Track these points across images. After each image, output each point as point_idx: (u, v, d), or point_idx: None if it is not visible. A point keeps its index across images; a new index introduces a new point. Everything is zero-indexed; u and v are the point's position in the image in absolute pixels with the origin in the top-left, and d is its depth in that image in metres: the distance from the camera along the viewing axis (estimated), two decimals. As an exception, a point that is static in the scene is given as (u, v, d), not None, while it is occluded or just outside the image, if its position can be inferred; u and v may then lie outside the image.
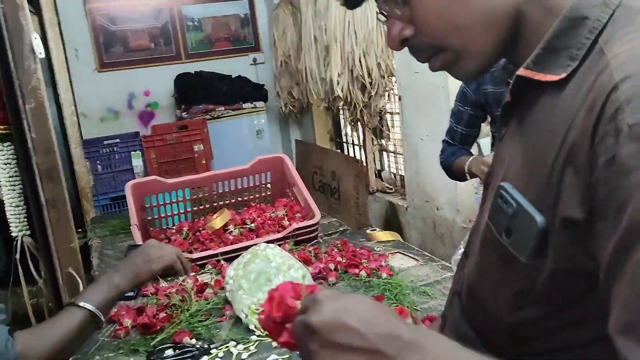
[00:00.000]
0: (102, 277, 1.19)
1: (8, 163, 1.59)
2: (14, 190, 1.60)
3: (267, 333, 0.64)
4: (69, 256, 1.60)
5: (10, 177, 1.59)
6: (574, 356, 0.56)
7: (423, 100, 2.87)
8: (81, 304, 1.07)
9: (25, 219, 1.62)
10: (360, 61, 3.16)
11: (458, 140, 1.88)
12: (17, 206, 1.62)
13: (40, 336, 1.01)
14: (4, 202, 1.65)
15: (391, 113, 3.61)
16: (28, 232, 1.63)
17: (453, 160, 1.85)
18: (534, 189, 0.55)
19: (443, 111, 2.66)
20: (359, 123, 3.65)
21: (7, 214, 1.65)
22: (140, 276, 1.21)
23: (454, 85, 1.98)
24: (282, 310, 0.61)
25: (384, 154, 3.92)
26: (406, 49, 0.68)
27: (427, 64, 0.68)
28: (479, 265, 0.66)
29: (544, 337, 0.58)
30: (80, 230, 2.61)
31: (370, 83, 3.20)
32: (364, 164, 3.86)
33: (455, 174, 1.83)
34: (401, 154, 3.46)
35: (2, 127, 1.54)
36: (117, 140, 3.79)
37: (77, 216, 2.85)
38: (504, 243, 0.58)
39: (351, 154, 4.36)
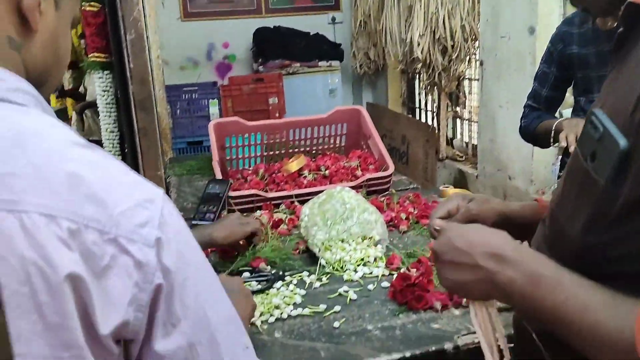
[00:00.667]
0: (199, 227, 1.30)
1: (106, 90, 1.69)
2: (109, 116, 1.70)
3: None
4: (156, 183, 1.71)
5: (107, 104, 1.70)
6: None
7: (506, 66, 2.79)
8: None
9: (118, 145, 1.73)
10: (443, 23, 3.10)
11: (542, 104, 1.83)
12: (112, 132, 1.73)
13: None
14: (100, 126, 1.77)
15: (470, 79, 3.53)
16: (120, 158, 1.74)
17: (538, 123, 1.81)
18: (621, 116, 0.57)
19: (527, 77, 2.58)
20: (435, 87, 3.60)
21: (102, 138, 1.77)
22: (234, 234, 1.34)
23: (542, 50, 1.92)
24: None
25: (458, 121, 3.85)
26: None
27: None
28: (562, 192, 0.70)
29: (613, 263, 0.60)
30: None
31: (452, 46, 3.14)
32: (436, 130, 3.82)
33: (538, 137, 1.79)
34: (476, 122, 3.40)
35: (103, 55, 1.64)
36: (196, 87, 3.92)
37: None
38: (587, 167, 0.61)
39: (422, 120, 4.32)
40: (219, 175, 1.83)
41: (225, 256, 1.41)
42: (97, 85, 1.70)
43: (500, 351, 0.70)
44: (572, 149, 1.38)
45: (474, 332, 1.00)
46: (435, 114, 4.04)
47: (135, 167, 1.71)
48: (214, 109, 3.77)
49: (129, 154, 1.72)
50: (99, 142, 1.85)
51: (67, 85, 3.01)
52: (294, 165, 1.89)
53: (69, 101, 3.22)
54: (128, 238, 0.55)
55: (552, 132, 1.64)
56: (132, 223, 0.55)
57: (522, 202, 1.01)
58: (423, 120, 4.29)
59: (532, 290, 0.61)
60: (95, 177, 0.55)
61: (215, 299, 0.63)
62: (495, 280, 0.64)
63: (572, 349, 0.61)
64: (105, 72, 1.67)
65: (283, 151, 2.12)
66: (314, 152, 2.15)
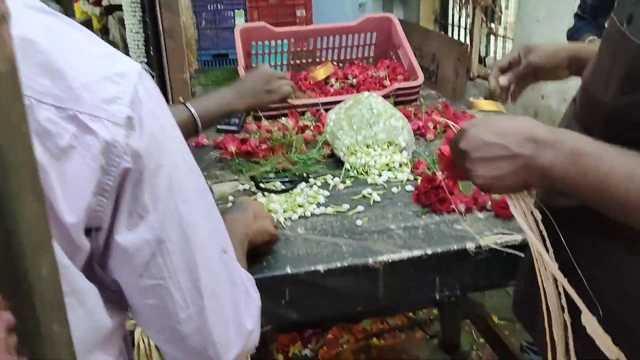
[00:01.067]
0: (219, 90, 1.25)
1: (130, -11, 1.65)
2: (134, 16, 1.67)
3: (456, 180, 0.83)
4: (180, 86, 1.70)
5: (132, 2, 1.66)
6: None
7: (547, -23, 2.63)
8: (187, 104, 1.16)
9: (144, 47, 1.71)
10: None
11: (588, 12, 1.73)
12: (137, 33, 1.70)
13: None
14: (125, 27, 1.74)
15: (507, -7, 3.35)
16: (145, 60, 1.73)
17: (577, 37, 1.72)
18: None
19: (569, -11, 2.43)
20: (470, 2, 3.43)
21: (127, 39, 1.75)
22: (257, 100, 1.27)
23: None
24: (445, 158, 0.77)
25: (492, 38, 3.70)
26: None
27: None
28: (595, 65, 0.69)
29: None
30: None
31: (491, -45, 2.95)
32: (468, 48, 3.68)
33: None
34: (511, 39, 3.26)
35: (127, -49, 1.59)
36: (222, -2, 3.80)
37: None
38: (623, 30, 0.60)
39: (455, 37, 4.16)
40: (244, 81, 1.80)
41: (249, 156, 1.41)
42: (121, -16, 1.67)
43: (542, 236, 0.69)
44: None
45: (498, 233, 1.01)
46: (469, 30, 3.88)
47: (160, 69, 1.69)
48: (239, 20, 3.67)
49: (154, 56, 1.70)
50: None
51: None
52: (321, 72, 1.85)
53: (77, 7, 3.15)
54: (91, 115, 0.48)
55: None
56: (96, 98, 0.49)
57: (591, 45, 1.05)
58: (455, 37, 4.13)
59: (575, 167, 0.59)
60: (51, 45, 0.47)
61: (193, 195, 0.58)
62: (535, 165, 0.62)
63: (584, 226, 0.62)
64: (129, -31, 1.63)
65: (310, 60, 2.07)
66: (341, 62, 2.10)
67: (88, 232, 0.52)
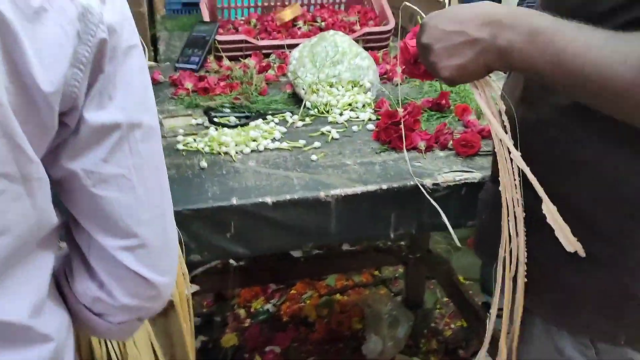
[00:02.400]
0: None
1: None
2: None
3: (412, 76, 0.82)
4: (138, 20, 1.58)
5: None
6: None
7: None
8: None
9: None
10: None
11: None
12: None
13: None
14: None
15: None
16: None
17: None
18: None
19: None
20: (450, -43, 3.34)
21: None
22: None
23: None
24: (409, 52, 0.75)
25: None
26: None
27: None
28: None
29: (608, 14, 0.58)
30: (152, 26, 2.59)
31: None
32: (447, 4, 3.61)
33: None
34: None
35: None
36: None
37: (148, 14, 2.82)
38: None
39: (434, -3, 4.07)
40: (206, 17, 1.72)
41: (205, 93, 1.33)
42: None
43: (503, 126, 0.68)
44: None
45: (457, 171, 0.96)
46: (447, -11, 3.79)
47: None
48: (211, -33, 3.53)
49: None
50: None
51: None
52: (288, 13, 1.76)
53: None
54: None
55: None
56: None
57: None
58: (434, -3, 4.06)
59: (533, 45, 0.58)
60: None
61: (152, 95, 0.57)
62: (494, 47, 0.61)
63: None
64: None
65: (279, 3, 1.98)
66: (312, 5, 2.01)
67: (62, 115, 0.49)
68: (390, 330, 1.97)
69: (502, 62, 0.62)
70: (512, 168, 0.66)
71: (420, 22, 0.70)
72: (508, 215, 0.68)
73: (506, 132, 0.67)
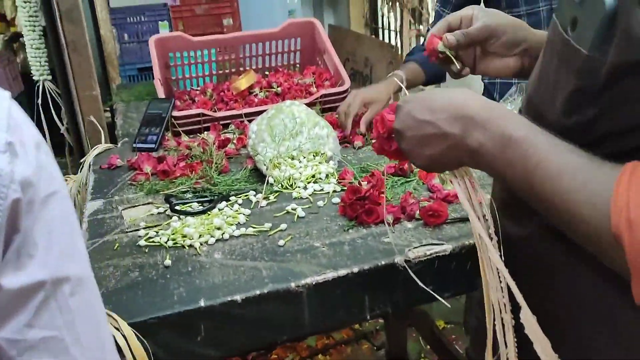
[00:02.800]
0: None
1: (28, 1, 1.51)
2: (33, 31, 1.53)
3: (382, 153, 0.76)
4: (91, 104, 1.57)
5: (30, 16, 1.52)
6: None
7: (470, -23, 2.64)
8: None
9: (47, 63, 1.57)
10: None
11: (450, 8, 1.66)
12: (38, 49, 1.56)
13: None
14: (25, 43, 1.59)
15: (433, -5, 3.37)
16: (49, 77, 1.59)
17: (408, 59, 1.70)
18: None
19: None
20: (397, 4, 3.43)
21: (28, 56, 1.60)
22: None
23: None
24: (385, 126, 0.71)
25: (421, 39, 3.72)
26: None
27: None
28: (538, 74, 0.60)
29: (595, 144, 0.52)
30: (108, 95, 2.57)
31: (414, -43, 2.95)
32: (399, 51, 3.68)
33: None
34: (439, 40, 3.27)
35: (19, -40, 1.45)
36: (144, 10, 3.65)
37: (104, 86, 2.80)
38: (566, 37, 0.52)
39: (386, 40, 4.16)
40: (161, 95, 1.70)
41: (165, 176, 1.30)
42: (17, -4, 1.52)
43: (485, 219, 0.64)
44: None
45: (428, 244, 0.95)
46: (398, 33, 3.89)
47: (65, 86, 1.55)
48: (164, 32, 3.54)
49: (58, 72, 1.56)
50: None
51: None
52: (243, 82, 1.76)
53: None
54: None
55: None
56: None
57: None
58: (386, 41, 4.14)
59: (502, 154, 0.54)
60: None
61: (77, 225, 0.53)
62: (464, 146, 0.58)
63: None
64: (24, -21, 1.48)
65: (234, 70, 1.98)
66: (267, 71, 2.02)
67: None
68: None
69: (471, 161, 0.59)
70: (495, 269, 0.61)
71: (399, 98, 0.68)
72: (494, 321, 0.62)
73: (486, 222, 0.63)
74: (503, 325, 0.61)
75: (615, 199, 0.44)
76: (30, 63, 1.59)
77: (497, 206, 0.67)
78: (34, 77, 1.62)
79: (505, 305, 0.60)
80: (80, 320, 0.49)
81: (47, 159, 0.50)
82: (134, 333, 0.77)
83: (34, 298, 0.46)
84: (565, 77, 0.53)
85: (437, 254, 0.93)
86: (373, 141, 1.48)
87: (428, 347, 2.22)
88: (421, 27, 3.64)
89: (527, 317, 0.54)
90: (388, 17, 4.01)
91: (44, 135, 1.84)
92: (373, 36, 4.33)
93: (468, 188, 0.65)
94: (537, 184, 0.50)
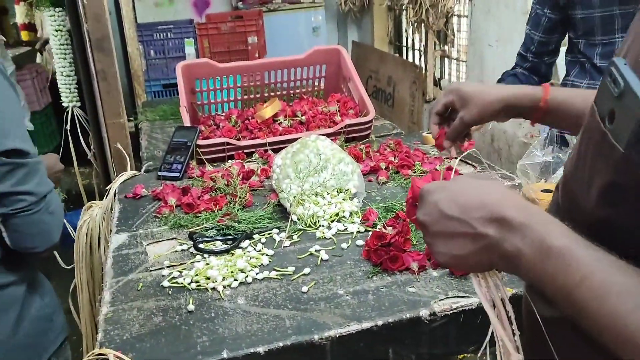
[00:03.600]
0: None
1: (59, 30, 1.54)
2: (64, 59, 1.56)
3: (409, 218, 0.72)
4: (117, 131, 1.59)
5: (61, 44, 1.55)
6: None
7: (496, 2, 2.63)
8: None
9: (76, 90, 1.59)
10: (431, -46, 2.89)
11: (534, 50, 1.70)
12: (68, 76, 1.58)
13: None
14: (55, 71, 1.62)
15: (459, 15, 3.36)
16: (78, 104, 1.61)
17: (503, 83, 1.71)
18: None
19: (517, 14, 2.43)
20: (422, 25, 3.43)
21: (58, 83, 1.63)
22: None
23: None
24: (412, 192, 0.67)
25: (446, 60, 3.70)
26: None
27: None
28: (576, 155, 0.58)
29: (629, 240, 0.49)
30: (134, 113, 2.60)
31: (440, -20, 2.95)
32: (423, 71, 3.67)
33: None
34: (464, 61, 3.25)
35: (52, -10, 1.48)
36: (171, 26, 3.71)
37: (129, 100, 2.84)
38: (604, 130, 0.49)
39: (410, 59, 4.15)
40: (187, 122, 1.71)
41: (190, 210, 1.31)
42: (49, 24, 1.54)
43: (510, 321, 0.60)
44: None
45: (453, 297, 0.93)
46: (422, 53, 3.87)
47: (94, 113, 1.58)
48: (189, 49, 3.58)
49: (87, 100, 1.59)
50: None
51: (21, 19, 2.79)
52: (268, 110, 1.76)
53: (24, 34, 3.01)
54: None
55: None
56: None
57: (524, 89, 1.01)
58: (410, 59, 4.13)
59: (542, 265, 0.50)
60: None
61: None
62: (500, 250, 0.53)
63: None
64: (57, 9, 1.51)
65: (259, 95, 1.99)
66: (292, 95, 2.02)
67: None
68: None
69: (507, 267, 0.55)
70: None
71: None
72: None
73: (511, 324, 0.59)
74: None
75: None
76: (60, 90, 1.62)
77: (529, 287, 0.64)
78: (63, 104, 1.65)
79: None
80: None
81: None
82: (157, 386, 0.77)
83: None
84: (601, 169, 0.51)
85: (463, 308, 0.92)
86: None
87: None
88: (446, 47, 3.62)
89: None
90: (412, 37, 4.00)
91: (72, 161, 1.87)
92: (397, 55, 4.33)
93: (491, 286, 0.60)
94: (581, 300, 0.47)
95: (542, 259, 0.50)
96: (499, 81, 1.82)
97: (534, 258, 0.50)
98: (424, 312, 0.90)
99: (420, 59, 3.94)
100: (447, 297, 0.94)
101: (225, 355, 0.83)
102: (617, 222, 0.50)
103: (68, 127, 1.64)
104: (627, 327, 0.43)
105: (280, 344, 0.85)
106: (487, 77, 2.82)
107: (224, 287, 1.01)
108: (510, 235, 0.52)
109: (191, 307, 0.95)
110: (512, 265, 0.53)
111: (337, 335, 0.87)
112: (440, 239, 0.58)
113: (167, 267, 1.09)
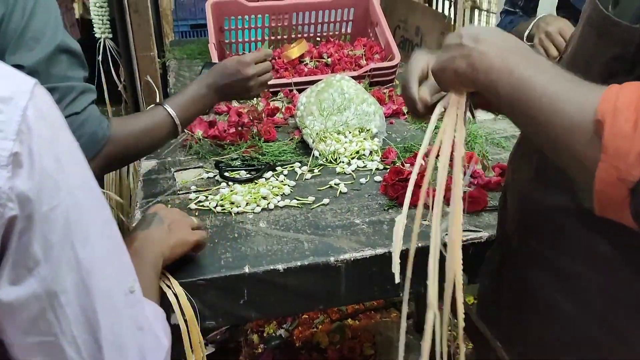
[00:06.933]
0: (195, 87, 1.14)
1: (93, -39, 1.57)
2: (97, -10, 1.59)
3: None
4: (148, 64, 1.63)
5: (95, -25, 1.58)
6: None
7: (533, -49, 2.56)
8: (166, 106, 1.06)
9: (108, 22, 1.63)
10: None
11: (522, 5, 1.65)
12: (101, 7, 1.62)
13: (127, 124, 1.00)
14: (90, 2, 1.66)
15: (492, -34, 3.27)
16: (110, 36, 1.65)
17: (510, 29, 1.66)
18: None
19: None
20: (454, -26, 3.34)
21: (91, 14, 1.67)
22: (236, 96, 1.26)
23: None
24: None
25: (476, 12, 3.63)
26: None
27: None
28: (576, 45, 0.68)
29: None
30: (162, 51, 2.63)
31: None
32: (452, 22, 3.60)
33: None
34: (494, 13, 3.19)
35: None
36: (200, -35, 3.68)
37: (157, 39, 2.86)
38: (607, 14, 0.59)
39: (439, 10, 4.07)
40: (215, 58, 1.74)
41: (215, 143, 1.36)
42: (83, -45, 1.57)
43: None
44: None
45: (465, 231, 0.98)
46: (452, 2, 3.79)
47: (125, 45, 1.62)
48: (218, -10, 3.56)
49: (120, 32, 1.63)
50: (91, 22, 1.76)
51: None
52: (294, 51, 1.79)
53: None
54: None
55: (525, 39, 1.46)
56: None
57: None
58: (439, 10, 4.05)
59: (501, 63, 0.60)
60: None
61: (95, 233, 0.52)
62: (471, 57, 0.63)
63: None
64: (91, -61, 1.54)
65: (285, 36, 2.01)
66: (318, 38, 2.03)
67: None
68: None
69: (472, 71, 0.63)
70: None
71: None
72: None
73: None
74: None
75: (607, 92, 0.51)
76: (93, 21, 1.66)
77: (530, 176, 0.73)
78: (95, 35, 1.69)
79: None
80: (77, 325, 0.50)
81: (56, 164, 0.47)
82: (184, 292, 0.84)
83: (30, 310, 0.48)
84: (604, 47, 0.60)
85: (473, 241, 0.96)
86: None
87: (455, 320, 2.26)
88: (477, -2, 3.54)
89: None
90: (443, -14, 3.91)
91: (102, 90, 1.92)
92: (426, 5, 4.24)
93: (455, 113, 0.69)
94: (531, 89, 0.56)
95: (503, 58, 0.60)
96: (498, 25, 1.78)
97: (496, 57, 0.61)
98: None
99: (449, 9, 3.87)
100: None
101: (247, 270, 0.90)
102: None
103: (100, 57, 1.69)
104: (565, 108, 0.53)
105: (298, 263, 0.91)
106: (516, 30, 2.78)
107: (247, 212, 1.06)
108: (482, 45, 0.62)
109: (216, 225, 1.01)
110: (476, 67, 0.62)
111: (352, 259, 0.93)
112: (443, 52, 0.68)
113: (194, 191, 1.15)
